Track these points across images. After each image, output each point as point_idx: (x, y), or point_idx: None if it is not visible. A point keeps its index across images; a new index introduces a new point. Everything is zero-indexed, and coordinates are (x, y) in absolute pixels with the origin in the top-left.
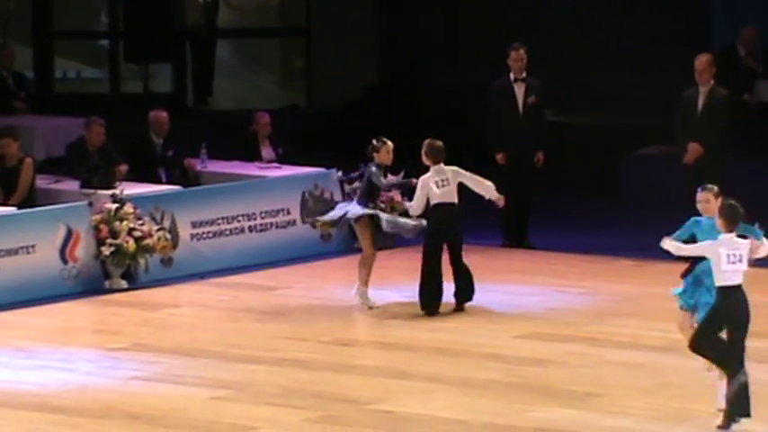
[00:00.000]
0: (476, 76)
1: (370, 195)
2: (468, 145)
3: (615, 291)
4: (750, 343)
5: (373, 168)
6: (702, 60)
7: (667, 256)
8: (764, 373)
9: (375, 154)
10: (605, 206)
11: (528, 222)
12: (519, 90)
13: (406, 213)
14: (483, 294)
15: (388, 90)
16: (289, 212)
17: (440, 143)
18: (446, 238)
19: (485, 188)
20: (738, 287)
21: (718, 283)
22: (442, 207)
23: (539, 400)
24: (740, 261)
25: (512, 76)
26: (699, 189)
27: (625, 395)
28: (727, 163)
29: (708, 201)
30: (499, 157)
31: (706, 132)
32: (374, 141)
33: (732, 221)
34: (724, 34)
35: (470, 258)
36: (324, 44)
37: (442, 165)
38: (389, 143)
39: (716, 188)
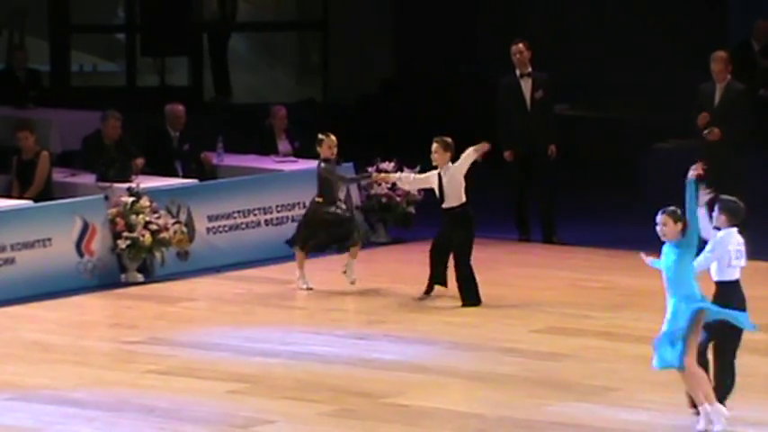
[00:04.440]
0: (493, 70)
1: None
2: (485, 139)
3: (632, 285)
4: (749, 335)
5: (322, 164)
6: (718, 59)
7: None
8: (762, 364)
9: (318, 148)
10: (623, 200)
11: (554, 217)
12: (526, 86)
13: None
14: (500, 288)
15: (405, 84)
16: (305, 206)
17: None
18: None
19: None
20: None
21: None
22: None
23: (555, 394)
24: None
25: (517, 72)
26: (660, 211)
27: (641, 389)
28: (744, 157)
29: (665, 224)
30: (507, 154)
31: (722, 126)
32: (319, 135)
33: (735, 216)
34: (741, 28)
35: (488, 252)
36: (341, 38)
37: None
38: (332, 137)
39: (678, 211)
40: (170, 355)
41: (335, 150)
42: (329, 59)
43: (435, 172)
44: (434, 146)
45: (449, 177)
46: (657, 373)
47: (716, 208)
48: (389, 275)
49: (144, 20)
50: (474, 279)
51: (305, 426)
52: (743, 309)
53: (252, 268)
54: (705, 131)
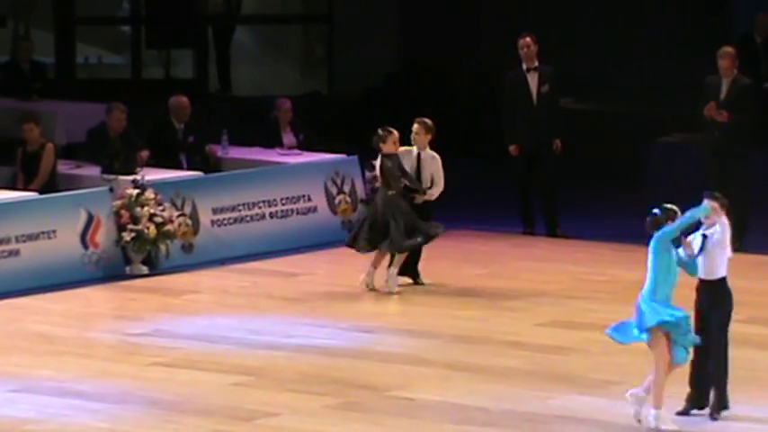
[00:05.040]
0: (498, 64)
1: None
2: (490, 132)
3: (636, 279)
4: (753, 329)
5: (389, 164)
6: (725, 55)
7: None
8: (764, 358)
9: (381, 144)
10: (627, 194)
11: (557, 211)
12: (532, 80)
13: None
14: (504, 282)
15: (410, 77)
16: (310, 199)
17: None
18: None
19: None
20: None
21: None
22: None
23: (559, 388)
24: None
25: (524, 66)
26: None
27: None
28: (750, 150)
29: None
30: (512, 148)
31: (730, 120)
32: (379, 131)
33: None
34: (745, 22)
35: (492, 245)
36: (346, 31)
37: None
38: (395, 132)
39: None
40: (174, 348)
41: (398, 146)
42: (334, 52)
43: (414, 149)
44: (416, 127)
45: (429, 164)
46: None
47: (712, 203)
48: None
49: (149, 12)
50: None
51: (309, 418)
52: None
53: (256, 261)
54: (715, 113)
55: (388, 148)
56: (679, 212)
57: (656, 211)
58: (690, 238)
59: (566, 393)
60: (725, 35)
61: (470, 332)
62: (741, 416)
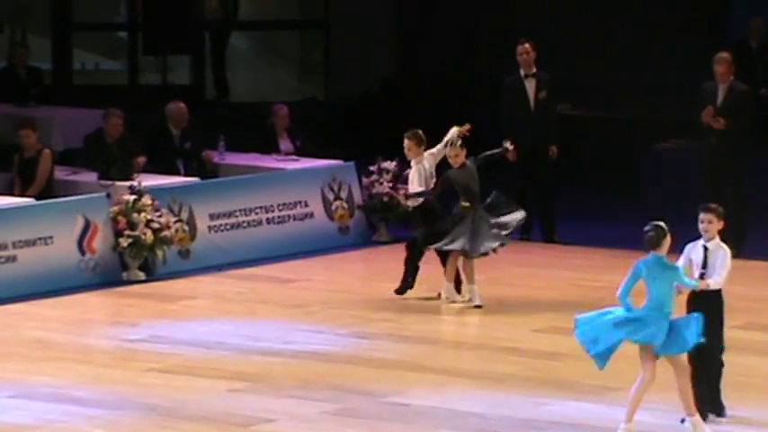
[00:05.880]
0: (495, 69)
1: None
2: (485, 138)
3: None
4: (751, 335)
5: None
6: (721, 60)
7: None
8: (763, 364)
9: (455, 156)
10: (624, 200)
11: (554, 217)
12: (530, 86)
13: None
14: (501, 288)
15: (407, 82)
16: (306, 205)
17: None
18: None
19: None
20: None
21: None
22: None
23: (556, 394)
24: None
25: (522, 72)
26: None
27: None
28: (747, 156)
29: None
30: (509, 154)
31: (726, 126)
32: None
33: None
34: (742, 27)
35: None
36: (342, 36)
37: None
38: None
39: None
40: (171, 354)
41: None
42: (331, 58)
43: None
44: (408, 143)
45: (430, 165)
46: (658, 374)
47: (711, 218)
48: (391, 274)
49: (146, 18)
50: (414, 270)
51: (306, 424)
52: None
53: (253, 267)
54: (711, 120)
55: (459, 159)
56: (667, 229)
57: (646, 228)
58: (688, 246)
59: (562, 399)
60: (722, 41)
61: (467, 338)
62: (739, 421)
